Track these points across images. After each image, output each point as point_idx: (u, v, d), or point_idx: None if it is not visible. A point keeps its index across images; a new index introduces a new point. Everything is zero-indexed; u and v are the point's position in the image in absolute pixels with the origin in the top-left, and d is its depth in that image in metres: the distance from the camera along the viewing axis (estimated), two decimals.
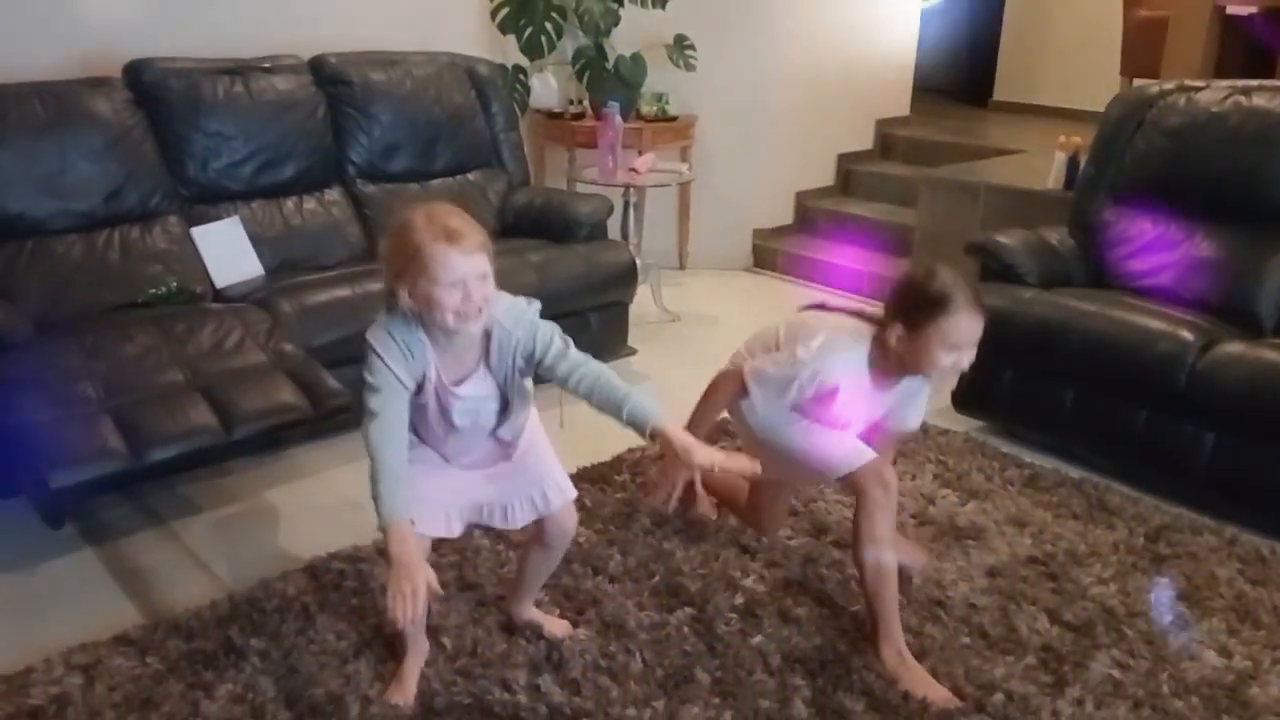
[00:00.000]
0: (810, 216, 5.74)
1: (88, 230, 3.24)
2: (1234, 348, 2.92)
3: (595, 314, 3.85)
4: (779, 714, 2.05)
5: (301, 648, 2.22)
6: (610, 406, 1.91)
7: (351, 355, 3.16)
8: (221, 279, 3.34)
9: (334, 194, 3.80)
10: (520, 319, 1.94)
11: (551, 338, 1.95)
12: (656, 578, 2.51)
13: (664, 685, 2.12)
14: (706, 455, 1.85)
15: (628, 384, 1.93)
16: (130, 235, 3.31)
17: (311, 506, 2.91)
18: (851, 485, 2.17)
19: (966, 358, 2.07)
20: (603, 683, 2.11)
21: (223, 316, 2.99)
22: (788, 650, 2.25)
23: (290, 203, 3.69)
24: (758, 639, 2.28)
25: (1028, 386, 3.31)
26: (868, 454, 2.17)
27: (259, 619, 2.32)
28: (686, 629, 2.31)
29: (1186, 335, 2.98)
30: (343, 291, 3.25)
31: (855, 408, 2.19)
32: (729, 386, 2.32)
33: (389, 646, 2.21)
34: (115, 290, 3.16)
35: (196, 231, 3.41)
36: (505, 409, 2.02)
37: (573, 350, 1.95)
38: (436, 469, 2.04)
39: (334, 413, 2.77)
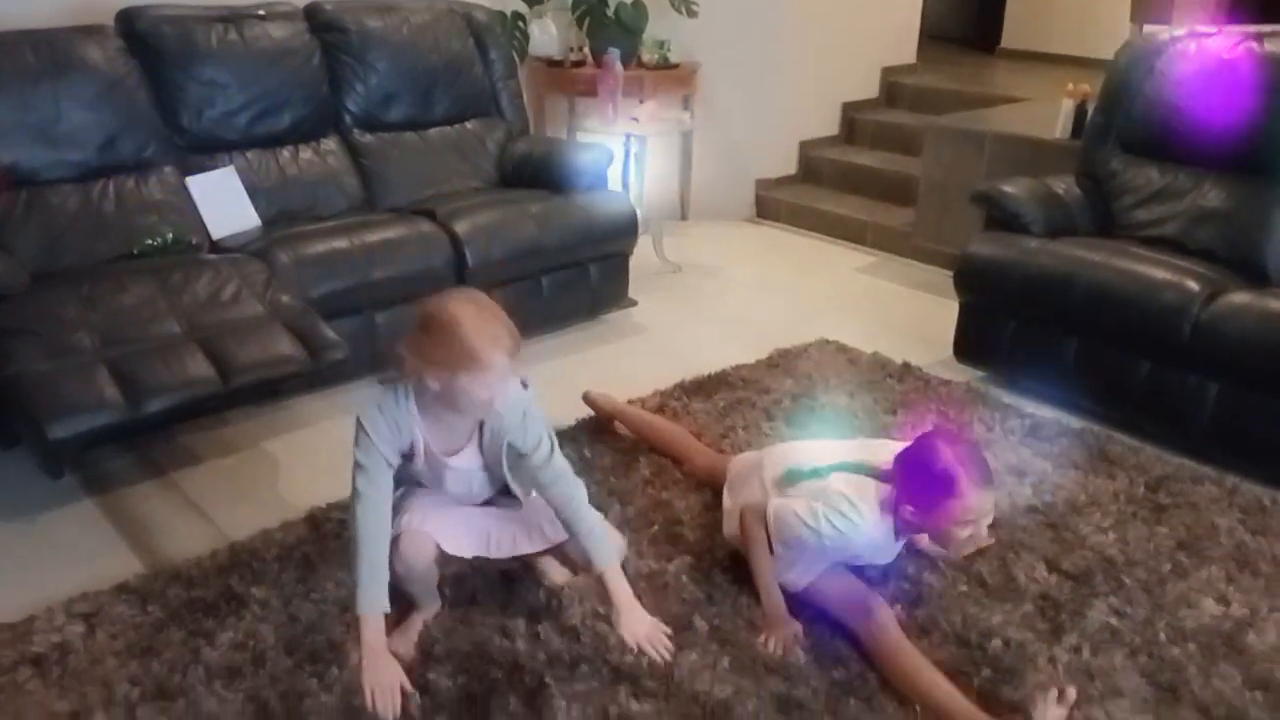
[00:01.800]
0: (814, 166, 5.68)
1: (82, 180, 3.21)
2: (1239, 298, 2.90)
3: (595, 265, 3.82)
4: (775, 661, 2.06)
5: (301, 596, 2.23)
6: (571, 531, 2.01)
7: (349, 306, 3.19)
8: (217, 229, 3.32)
9: (330, 143, 3.75)
10: (514, 409, 1.96)
11: (540, 441, 1.99)
12: (655, 527, 2.51)
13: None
14: (631, 628, 1.91)
15: (594, 515, 2.02)
16: (125, 185, 3.28)
17: (310, 457, 2.92)
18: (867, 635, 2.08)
19: (984, 525, 2.01)
20: (601, 629, 2.12)
21: (219, 267, 2.97)
22: (786, 597, 2.25)
23: (286, 152, 3.65)
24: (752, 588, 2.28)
25: (1030, 337, 3.29)
26: (874, 602, 2.11)
27: (259, 568, 2.33)
28: (685, 577, 2.32)
29: (1191, 285, 2.95)
30: (340, 242, 3.22)
31: (872, 558, 2.22)
32: (760, 533, 2.17)
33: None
34: (111, 241, 3.13)
35: (192, 181, 3.37)
36: (503, 485, 2.09)
37: (557, 459, 2.00)
38: (443, 501, 2.08)
39: (332, 364, 2.76)
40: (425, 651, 2.06)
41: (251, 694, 1.94)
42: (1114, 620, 2.21)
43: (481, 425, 1.99)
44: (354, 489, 1.90)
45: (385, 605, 1.86)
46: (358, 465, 1.89)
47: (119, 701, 1.91)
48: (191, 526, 2.56)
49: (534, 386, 2.02)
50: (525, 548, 2.12)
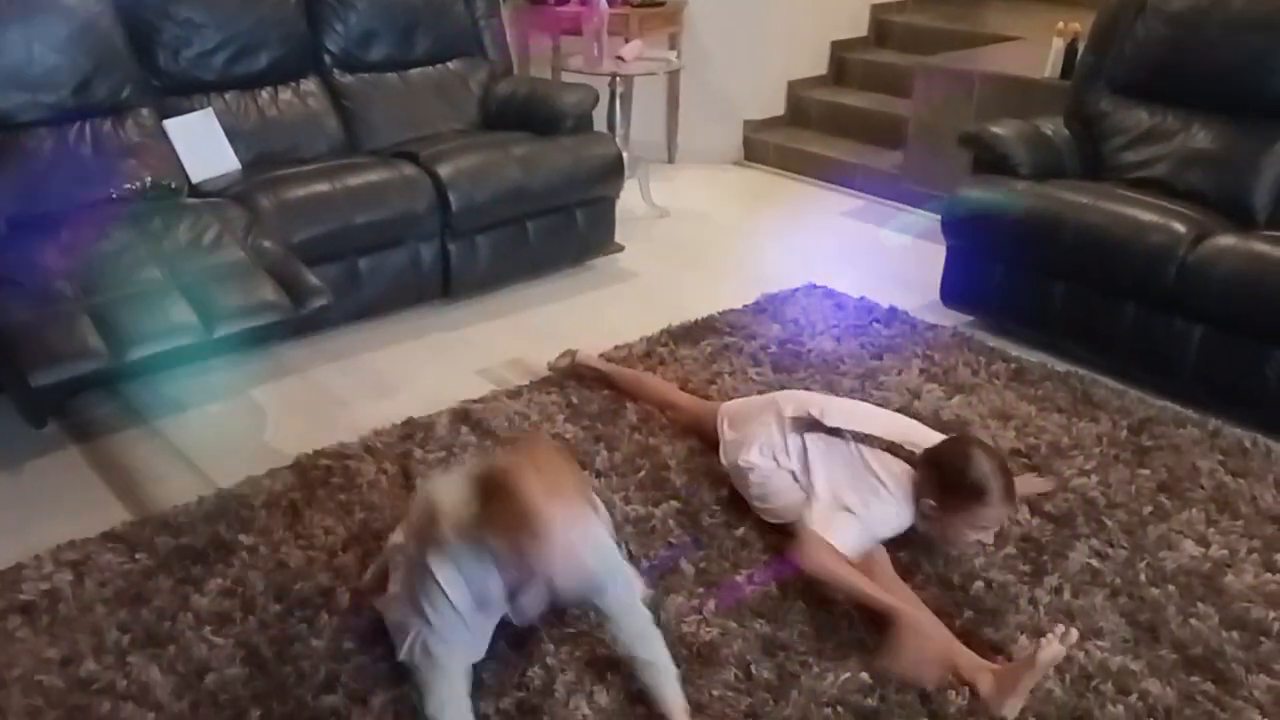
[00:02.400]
0: (802, 107, 5.61)
1: (58, 124, 3.14)
2: (1226, 240, 2.90)
3: (581, 210, 3.78)
4: (762, 604, 2.08)
5: (290, 543, 2.24)
6: (641, 676, 1.84)
7: (332, 252, 3.15)
8: (197, 173, 3.27)
9: (310, 84, 3.68)
10: (602, 557, 1.78)
11: (616, 598, 1.82)
12: (643, 472, 2.52)
13: (650, 575, 2.14)
14: None
15: (665, 668, 1.83)
16: (102, 129, 3.21)
17: (296, 404, 2.91)
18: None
19: (989, 537, 2.16)
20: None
21: (199, 212, 2.93)
22: (771, 541, 2.27)
23: (265, 94, 3.58)
24: (741, 530, 2.31)
25: (1017, 281, 3.29)
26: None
27: (247, 515, 2.33)
28: (672, 521, 2.34)
29: (1179, 228, 2.95)
30: (322, 186, 3.18)
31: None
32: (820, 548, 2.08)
33: (377, 539, 2.23)
34: (89, 186, 3.07)
35: (169, 124, 3.31)
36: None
37: (634, 606, 1.85)
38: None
39: (316, 311, 2.73)
40: None
41: (242, 639, 1.95)
42: (1095, 562, 2.24)
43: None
44: (427, 687, 1.70)
45: None
46: (425, 654, 1.69)
47: (110, 648, 1.92)
48: (178, 474, 2.55)
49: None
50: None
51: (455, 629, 1.70)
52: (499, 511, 1.58)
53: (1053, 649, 1.78)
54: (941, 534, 2.17)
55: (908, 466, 2.18)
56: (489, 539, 1.63)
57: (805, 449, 2.26)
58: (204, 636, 1.96)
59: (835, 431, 2.27)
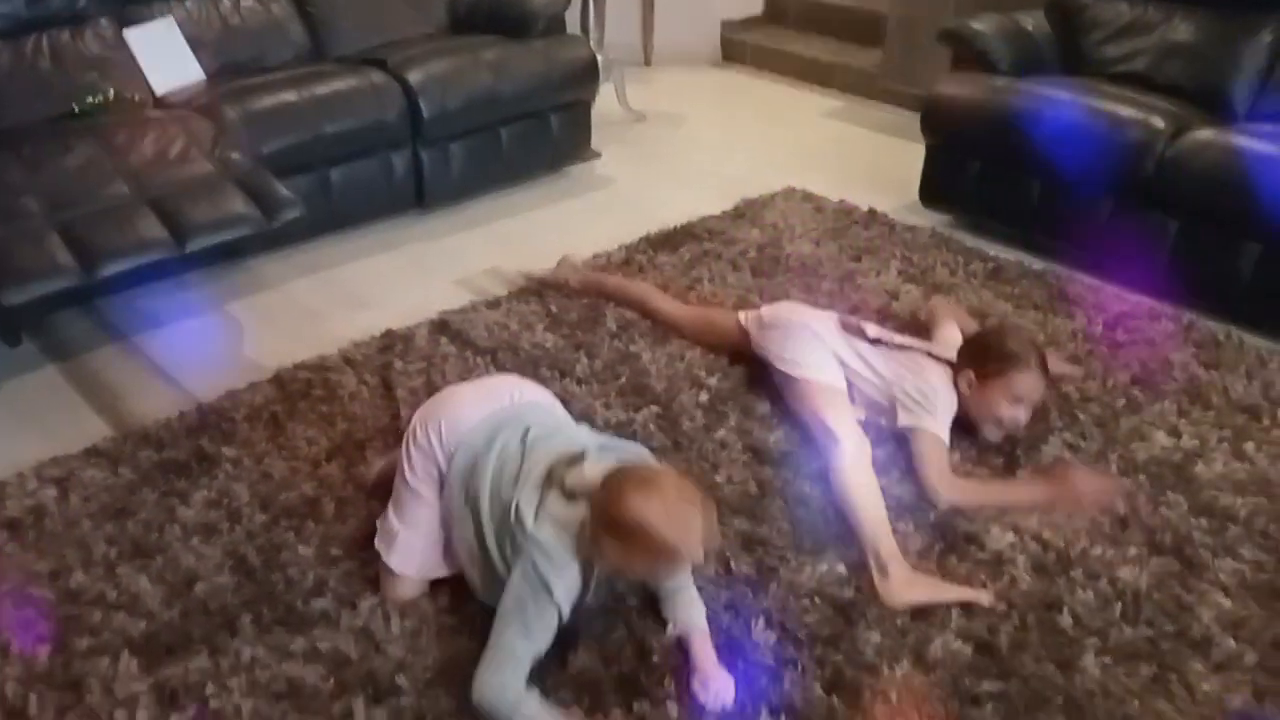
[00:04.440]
0: (780, 6, 5.50)
1: (14, 36, 3.06)
2: (1204, 134, 2.88)
3: (555, 115, 3.72)
4: (741, 502, 2.12)
5: (273, 454, 2.25)
6: (676, 607, 1.80)
7: (302, 163, 3.10)
8: (160, 84, 3.18)
9: None
10: None
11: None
12: (623, 379, 2.53)
13: None
14: (710, 689, 1.69)
15: (692, 593, 1.81)
16: (60, 40, 3.12)
17: (273, 318, 2.89)
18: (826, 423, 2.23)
19: (1023, 415, 2.24)
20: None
21: (164, 125, 2.87)
22: (750, 443, 2.30)
23: (227, 1, 3.47)
24: (721, 433, 2.33)
25: (995, 179, 3.28)
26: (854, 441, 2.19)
27: (228, 428, 2.34)
28: (653, 425, 2.36)
29: (1157, 122, 2.93)
30: (289, 95, 3.11)
31: None
32: (946, 470, 2.17)
33: (360, 448, 2.25)
34: (50, 100, 3.01)
35: (130, 34, 3.22)
36: None
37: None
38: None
39: (288, 223, 2.70)
40: None
41: (230, 549, 1.98)
42: (1067, 454, 2.28)
43: None
44: (511, 653, 1.61)
45: None
46: (527, 631, 1.61)
47: (98, 561, 1.94)
48: (157, 389, 2.55)
49: None
50: None
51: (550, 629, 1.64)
52: (633, 551, 1.56)
53: (981, 595, 1.86)
54: (979, 409, 2.24)
55: (947, 367, 2.31)
56: (612, 564, 1.61)
57: (857, 351, 2.36)
58: (191, 547, 1.98)
59: (876, 340, 2.38)
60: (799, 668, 1.73)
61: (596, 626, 1.80)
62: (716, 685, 1.69)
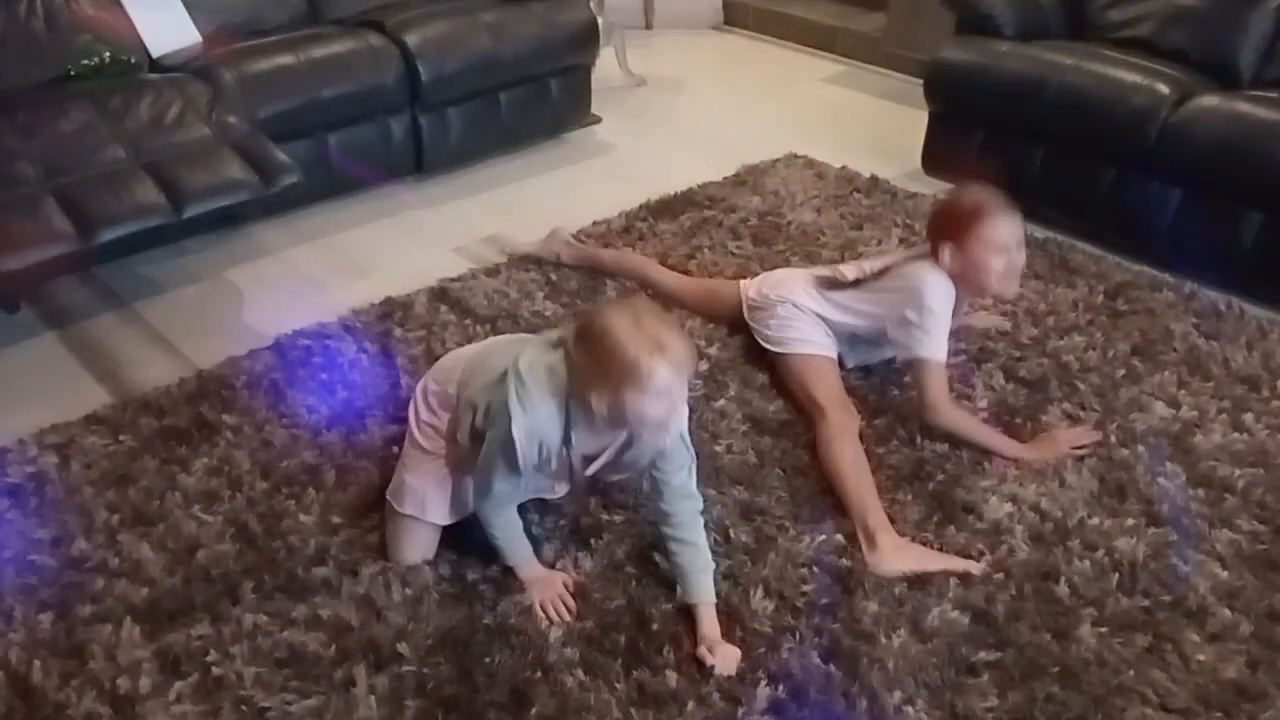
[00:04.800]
0: None
1: None
2: (1209, 101, 2.86)
3: (555, 79, 3.68)
4: (740, 471, 2.13)
5: (274, 422, 2.25)
6: (677, 552, 1.81)
7: (299, 127, 3.07)
8: (156, 47, 3.14)
9: None
10: (673, 430, 1.76)
11: (682, 465, 1.81)
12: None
13: None
14: (715, 654, 1.71)
15: (706, 549, 1.82)
16: (54, 2, 3.08)
17: (273, 284, 2.88)
18: (824, 413, 2.21)
19: (1018, 257, 2.19)
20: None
21: (160, 88, 2.84)
22: (750, 412, 2.30)
23: None
24: (720, 402, 2.33)
25: (998, 146, 3.25)
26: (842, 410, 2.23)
27: (229, 395, 2.34)
28: None
29: (1162, 88, 2.90)
30: (286, 58, 3.07)
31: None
32: (944, 394, 2.21)
33: (360, 416, 2.25)
34: (44, 63, 2.96)
35: None
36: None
37: (690, 489, 1.83)
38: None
39: (285, 188, 2.68)
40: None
41: (231, 517, 1.98)
42: (1066, 424, 2.28)
43: (630, 438, 1.78)
44: (487, 485, 1.75)
45: (531, 554, 1.86)
46: (493, 468, 1.71)
47: (100, 528, 1.95)
48: (157, 357, 2.55)
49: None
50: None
51: (514, 476, 1.72)
52: (600, 363, 1.59)
53: (970, 566, 1.89)
54: (973, 274, 2.18)
55: (927, 261, 2.23)
56: (586, 389, 1.63)
57: (842, 304, 2.35)
58: (193, 514, 1.99)
59: (857, 283, 2.34)
60: (797, 636, 1.74)
61: (596, 593, 1.81)
62: (723, 653, 1.70)
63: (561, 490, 1.91)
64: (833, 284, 2.38)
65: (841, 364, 2.38)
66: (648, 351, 1.57)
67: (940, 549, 1.94)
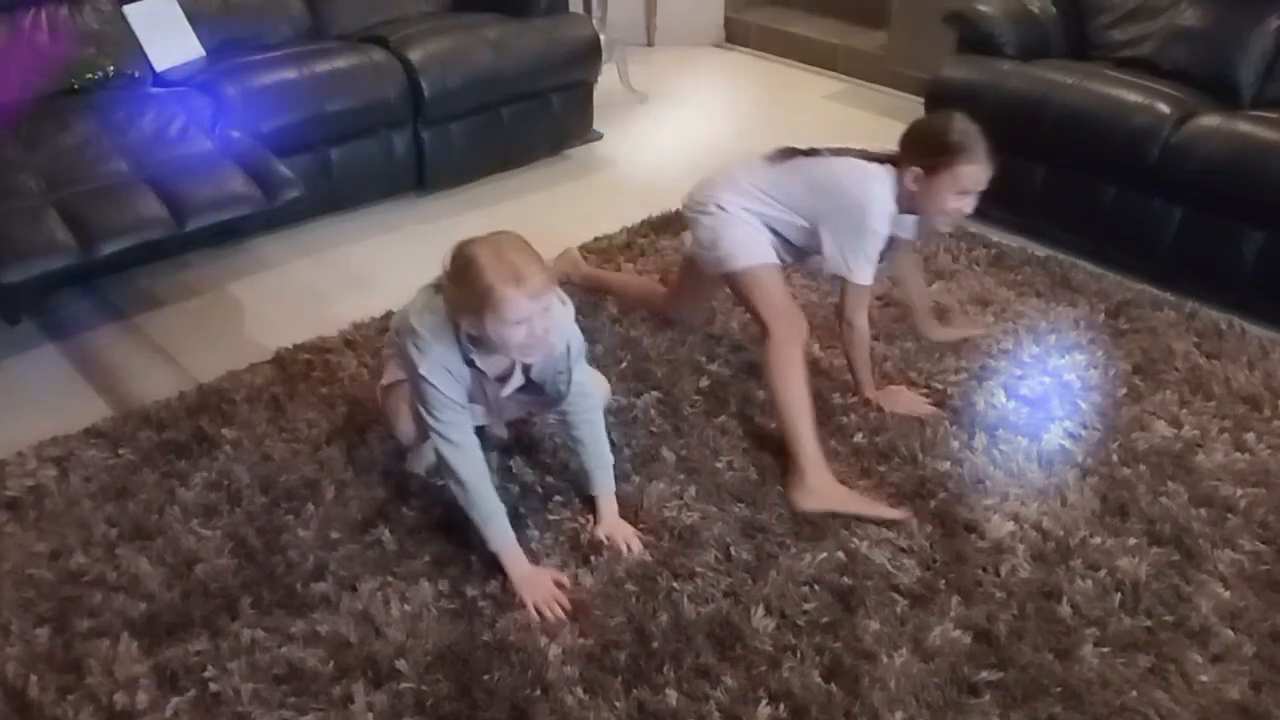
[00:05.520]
0: None
1: (11, 11, 3.02)
2: (1210, 120, 2.87)
3: (557, 95, 3.69)
4: (740, 487, 2.12)
5: (273, 436, 2.25)
6: (582, 449, 2.02)
7: (302, 142, 3.08)
8: (160, 61, 3.15)
9: None
10: (562, 337, 1.89)
11: (583, 381, 1.98)
12: (624, 364, 2.53)
13: (632, 463, 2.17)
14: (608, 531, 1.99)
15: (606, 443, 2.04)
16: (58, 15, 3.09)
17: (274, 298, 2.88)
18: (769, 326, 2.19)
19: (969, 204, 2.17)
20: (573, 463, 2.16)
21: (163, 102, 2.85)
22: (751, 429, 2.30)
23: None
24: (721, 419, 2.33)
25: (999, 165, 3.24)
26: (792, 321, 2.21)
27: (229, 409, 2.33)
28: (653, 411, 2.35)
29: (1163, 108, 2.91)
30: (289, 73, 3.09)
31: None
32: (863, 311, 2.26)
33: (361, 431, 2.24)
34: (48, 76, 2.98)
35: (129, 9, 3.18)
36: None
37: (586, 379, 1.99)
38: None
39: (288, 203, 2.69)
40: (400, 488, 2.10)
41: (229, 531, 1.98)
42: (1067, 443, 2.28)
43: (546, 364, 1.92)
44: (444, 446, 1.84)
45: (511, 534, 1.88)
46: (438, 423, 1.82)
47: (98, 541, 1.94)
48: (157, 370, 2.54)
49: (569, 303, 1.94)
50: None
51: (456, 415, 1.83)
52: (463, 290, 1.72)
53: (893, 513, 2.00)
54: (926, 203, 2.15)
55: (878, 164, 2.20)
56: (457, 316, 1.77)
57: (775, 196, 2.24)
58: (191, 529, 1.98)
59: (813, 151, 2.27)
60: (798, 655, 1.73)
61: (597, 610, 1.81)
62: (624, 534, 1.96)
63: (492, 418, 2.07)
64: (786, 154, 2.28)
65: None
66: (504, 281, 1.68)
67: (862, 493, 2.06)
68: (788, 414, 2.10)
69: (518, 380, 1.93)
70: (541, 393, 1.98)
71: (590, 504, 2.04)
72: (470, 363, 1.83)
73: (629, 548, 1.95)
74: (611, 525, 2.00)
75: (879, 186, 2.14)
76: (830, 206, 2.16)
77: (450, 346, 1.80)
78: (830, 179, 2.19)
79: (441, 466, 1.89)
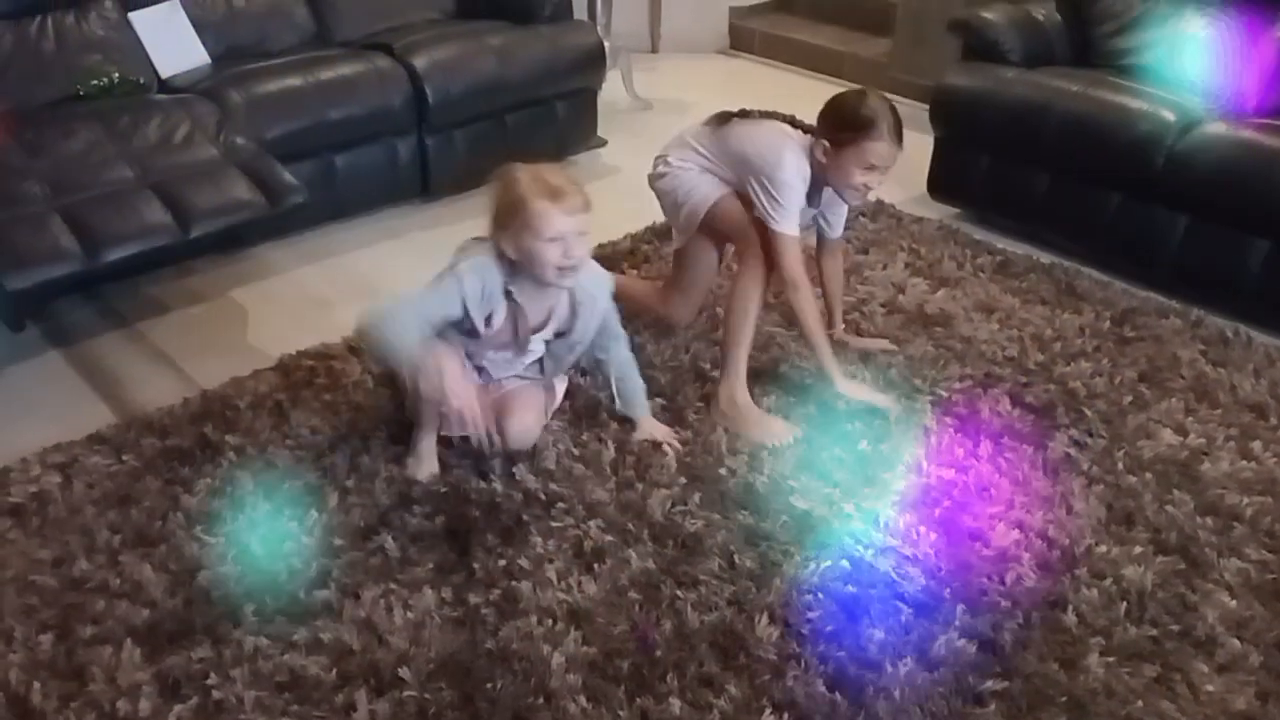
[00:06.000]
0: None
1: (17, 18, 3.04)
2: (1215, 128, 2.86)
3: (561, 102, 3.70)
4: (745, 496, 2.11)
5: (277, 443, 2.24)
6: (621, 386, 2.26)
7: (306, 148, 3.08)
8: (165, 68, 3.17)
9: None
10: (603, 290, 2.10)
11: (616, 321, 2.19)
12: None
13: (635, 470, 2.17)
14: (649, 432, 2.26)
15: (637, 383, 2.29)
16: (64, 22, 3.11)
17: (278, 305, 2.89)
18: (740, 251, 2.39)
19: (876, 180, 2.27)
20: (577, 470, 2.16)
21: (169, 109, 2.85)
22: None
23: None
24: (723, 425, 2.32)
25: (1003, 172, 3.26)
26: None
27: (232, 416, 2.33)
28: (657, 418, 2.34)
29: (1167, 115, 2.91)
30: (294, 80, 3.09)
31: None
32: (798, 260, 2.32)
33: (364, 438, 2.24)
34: (53, 83, 2.99)
35: (135, 16, 3.20)
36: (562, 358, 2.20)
37: (616, 329, 2.23)
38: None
39: (292, 209, 2.69)
40: (403, 495, 2.09)
41: (233, 538, 1.97)
42: (1073, 451, 2.27)
43: (573, 307, 2.07)
44: (410, 300, 1.93)
45: (423, 347, 1.93)
46: (434, 294, 1.93)
47: (101, 548, 1.94)
48: (161, 376, 2.54)
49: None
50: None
51: (444, 311, 1.94)
52: (502, 207, 1.89)
53: (786, 436, 2.23)
54: (834, 177, 2.28)
55: (798, 131, 2.36)
56: (499, 237, 1.92)
57: (711, 151, 2.42)
58: (195, 535, 1.98)
59: (744, 112, 2.43)
60: (802, 664, 1.73)
61: (600, 619, 1.80)
62: (661, 433, 2.23)
63: (517, 359, 2.13)
64: (722, 118, 2.44)
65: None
66: (540, 195, 1.85)
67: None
68: (734, 336, 2.32)
69: (556, 327, 2.08)
70: (569, 344, 2.13)
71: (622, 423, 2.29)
72: (509, 295, 1.95)
73: (671, 445, 2.17)
74: (649, 427, 2.23)
75: (790, 151, 2.27)
76: (751, 164, 2.30)
77: (491, 270, 1.93)
78: (751, 139, 2.34)
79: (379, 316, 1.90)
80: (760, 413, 2.33)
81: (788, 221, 2.27)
